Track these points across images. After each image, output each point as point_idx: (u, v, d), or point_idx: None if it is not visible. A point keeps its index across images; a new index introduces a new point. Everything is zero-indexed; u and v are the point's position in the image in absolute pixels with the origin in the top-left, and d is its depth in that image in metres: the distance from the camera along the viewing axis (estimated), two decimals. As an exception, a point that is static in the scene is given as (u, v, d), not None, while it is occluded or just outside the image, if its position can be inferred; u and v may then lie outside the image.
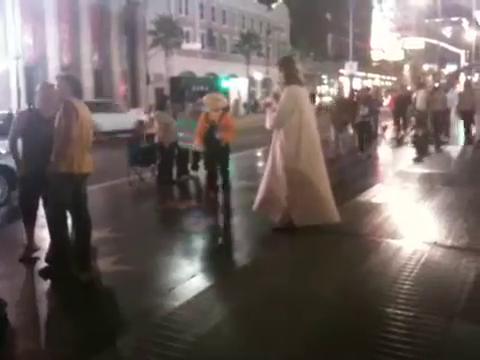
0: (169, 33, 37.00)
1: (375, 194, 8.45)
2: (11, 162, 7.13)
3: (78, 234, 4.93)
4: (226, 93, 36.19)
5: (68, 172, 4.64)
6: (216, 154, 7.92)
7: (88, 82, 30.92)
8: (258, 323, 3.85)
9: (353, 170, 11.47)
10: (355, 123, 13.52)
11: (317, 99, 16.91)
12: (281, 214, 6.18)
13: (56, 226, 4.83)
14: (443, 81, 43.02)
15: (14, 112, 24.83)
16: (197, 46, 42.71)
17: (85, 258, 4.87)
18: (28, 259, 5.28)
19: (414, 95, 18.13)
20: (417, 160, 12.67)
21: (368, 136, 16.62)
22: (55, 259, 4.90)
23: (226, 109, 8.42)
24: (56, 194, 4.73)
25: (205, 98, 8.34)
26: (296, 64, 6.63)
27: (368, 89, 19.05)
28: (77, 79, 5.22)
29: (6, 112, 25.17)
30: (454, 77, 57.28)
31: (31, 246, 5.40)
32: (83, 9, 32.92)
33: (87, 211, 4.95)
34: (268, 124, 6.47)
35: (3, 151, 7.79)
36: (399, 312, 3.97)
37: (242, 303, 4.25)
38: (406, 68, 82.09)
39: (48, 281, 4.79)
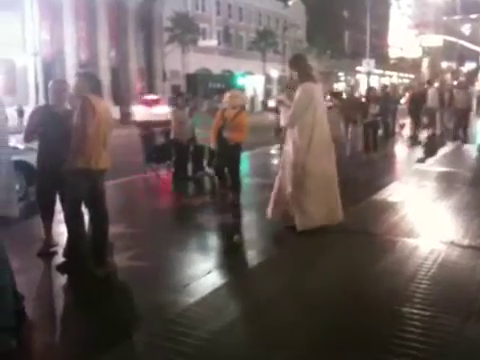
0: (185, 30, 37.13)
1: (391, 192, 8.39)
2: (29, 158, 7.24)
3: (95, 229, 4.97)
4: (242, 90, 36.25)
5: (85, 168, 4.68)
6: (224, 153, 7.70)
7: (105, 79, 31.14)
8: (271, 321, 3.85)
9: (369, 168, 11.39)
10: (365, 122, 13.24)
11: (344, 95, 16.76)
12: (287, 215, 6.21)
13: (72, 222, 4.88)
14: (462, 79, 42.52)
15: (24, 108, 25.17)
16: (213, 43, 42.75)
17: (101, 253, 4.92)
18: (46, 254, 5.34)
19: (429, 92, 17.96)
20: (421, 161, 12.32)
21: (386, 133, 16.53)
22: (71, 254, 4.95)
23: (243, 108, 8.25)
24: (73, 190, 4.77)
25: (226, 94, 8.19)
26: (307, 61, 6.57)
27: (386, 86, 18.94)
28: (96, 76, 5.29)
29: (15, 108, 25.44)
30: (473, 75, 56.55)
31: (49, 241, 5.46)
32: (100, 6, 33.18)
33: (105, 207, 4.98)
34: (283, 121, 6.45)
35: (21, 147, 7.88)
36: (415, 311, 3.94)
37: (256, 301, 4.26)
38: (424, 65, 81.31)
39: (65, 276, 4.84)
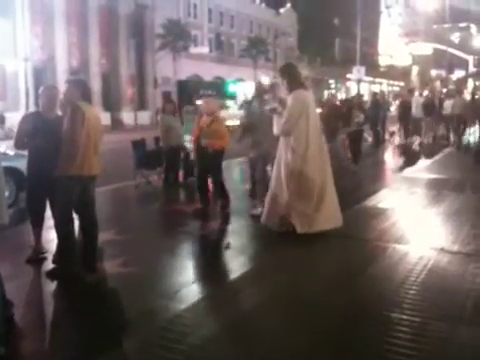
0: (177, 37, 37.12)
1: (381, 199, 8.43)
2: (19, 164, 7.20)
3: (85, 236, 4.95)
4: (233, 97, 36.33)
5: (78, 174, 4.68)
6: (204, 162, 7.34)
7: (96, 85, 31.08)
8: (262, 327, 3.85)
9: (358, 175, 11.44)
10: (349, 131, 12.90)
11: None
12: (285, 219, 6.23)
13: (62, 228, 4.86)
14: (451, 87, 42.85)
15: (6, 114, 24.97)
16: (205, 50, 42.83)
17: (91, 260, 4.90)
18: (35, 260, 5.30)
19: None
20: (411, 167, 12.30)
21: (376, 141, 16.58)
22: (61, 260, 4.93)
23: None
24: (65, 196, 4.75)
25: (201, 102, 8.03)
26: (297, 69, 6.61)
27: (375, 94, 19.04)
28: (86, 83, 5.27)
29: None
30: (463, 82, 57.12)
31: (38, 247, 5.43)
32: (92, 12, 33.09)
33: (94, 213, 4.97)
34: (276, 130, 6.45)
35: (11, 153, 7.84)
36: (405, 317, 3.96)
37: (247, 307, 4.26)
38: (414, 73, 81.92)
39: (55, 282, 4.81)
